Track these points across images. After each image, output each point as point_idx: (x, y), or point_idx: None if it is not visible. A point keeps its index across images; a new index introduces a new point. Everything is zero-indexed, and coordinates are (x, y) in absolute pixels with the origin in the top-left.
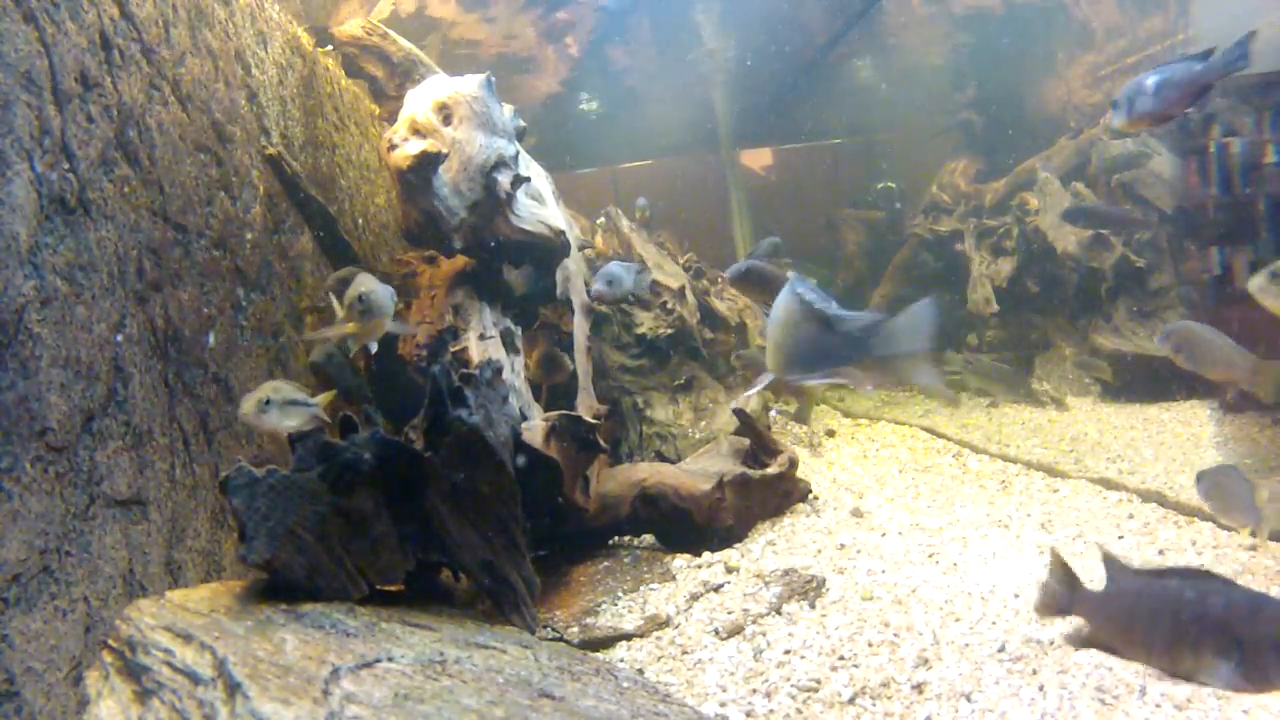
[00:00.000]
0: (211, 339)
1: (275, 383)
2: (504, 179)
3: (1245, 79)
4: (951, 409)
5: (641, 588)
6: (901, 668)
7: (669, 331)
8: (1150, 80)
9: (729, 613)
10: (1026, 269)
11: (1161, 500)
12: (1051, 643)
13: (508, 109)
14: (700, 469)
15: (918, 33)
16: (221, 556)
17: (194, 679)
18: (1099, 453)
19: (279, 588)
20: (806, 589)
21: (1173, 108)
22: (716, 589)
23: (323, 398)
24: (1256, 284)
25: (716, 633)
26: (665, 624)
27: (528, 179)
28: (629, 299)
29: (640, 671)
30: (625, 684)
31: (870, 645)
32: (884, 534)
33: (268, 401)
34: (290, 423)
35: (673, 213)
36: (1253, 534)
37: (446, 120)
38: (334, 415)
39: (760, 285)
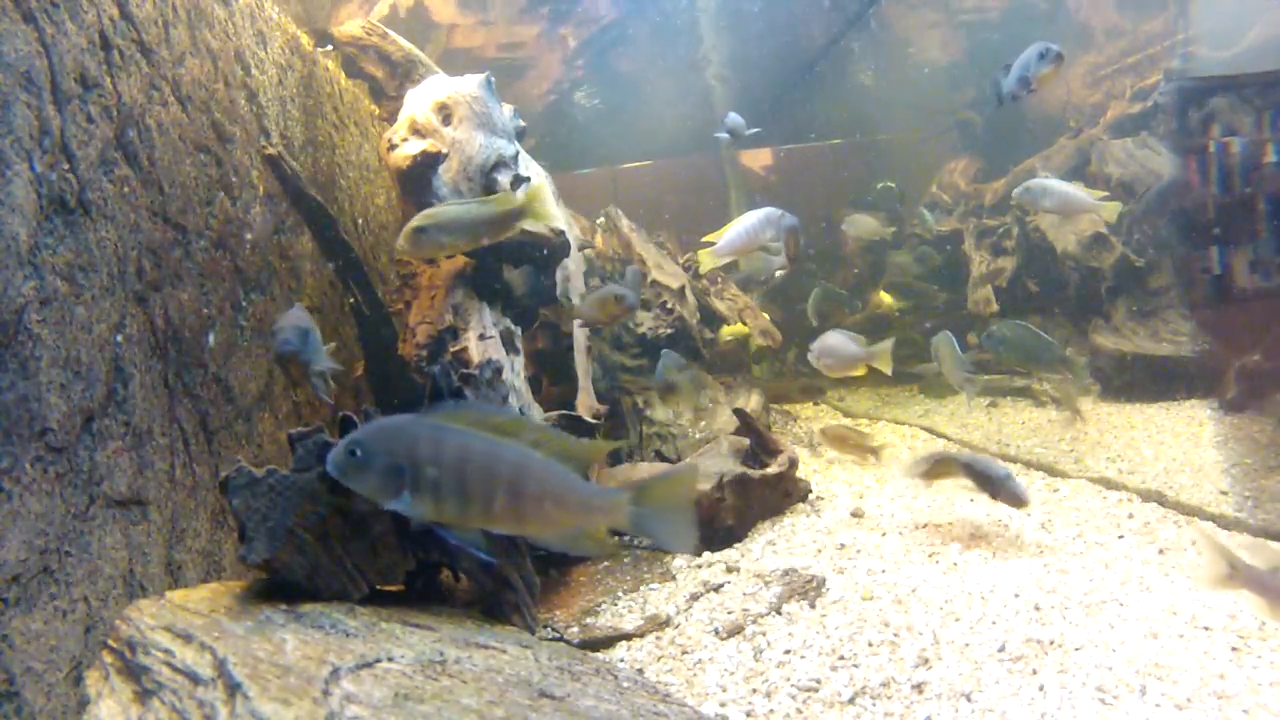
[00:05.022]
0: (211, 339)
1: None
2: (504, 179)
3: (1245, 79)
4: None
5: (641, 588)
6: (901, 667)
7: (669, 331)
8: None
9: (729, 612)
10: (1026, 269)
11: (1161, 500)
12: (1052, 642)
13: (507, 109)
14: (700, 469)
15: (918, 33)
16: (221, 556)
17: (194, 679)
18: (1099, 453)
19: (279, 588)
20: (806, 589)
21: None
22: (716, 589)
23: None
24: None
25: (716, 633)
26: (665, 624)
27: (528, 179)
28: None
29: (640, 671)
30: (625, 684)
31: (870, 645)
32: (884, 534)
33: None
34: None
35: (674, 213)
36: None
37: (446, 120)
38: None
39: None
